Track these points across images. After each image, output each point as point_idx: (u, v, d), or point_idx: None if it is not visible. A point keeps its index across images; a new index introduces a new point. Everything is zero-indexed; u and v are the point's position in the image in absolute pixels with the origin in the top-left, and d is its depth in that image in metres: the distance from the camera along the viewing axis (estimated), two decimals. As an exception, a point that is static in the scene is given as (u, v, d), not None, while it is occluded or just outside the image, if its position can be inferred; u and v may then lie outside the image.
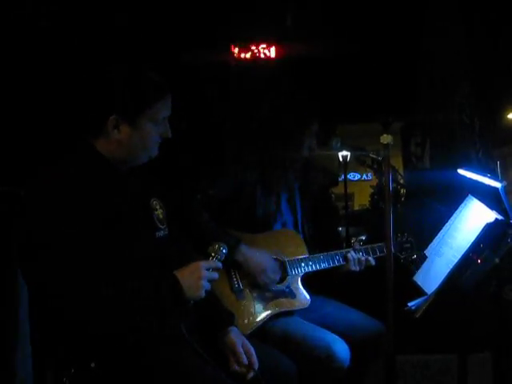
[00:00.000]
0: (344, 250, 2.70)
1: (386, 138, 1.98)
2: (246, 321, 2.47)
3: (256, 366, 1.97)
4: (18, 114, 4.54)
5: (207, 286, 1.84)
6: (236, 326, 2.08)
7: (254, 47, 7.58)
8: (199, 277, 1.83)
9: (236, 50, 7.53)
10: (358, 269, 2.68)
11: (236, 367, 1.97)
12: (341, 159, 11.34)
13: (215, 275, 1.89)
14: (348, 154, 7.13)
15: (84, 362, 1.77)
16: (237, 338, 2.02)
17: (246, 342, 2.02)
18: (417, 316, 1.95)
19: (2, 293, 1.80)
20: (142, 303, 1.75)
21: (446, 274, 2.02)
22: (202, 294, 1.84)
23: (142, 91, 1.90)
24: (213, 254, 1.91)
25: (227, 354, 1.99)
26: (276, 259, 2.60)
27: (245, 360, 1.96)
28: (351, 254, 2.67)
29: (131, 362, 1.78)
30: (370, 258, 2.70)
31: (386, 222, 1.89)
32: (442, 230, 2.29)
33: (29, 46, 4.79)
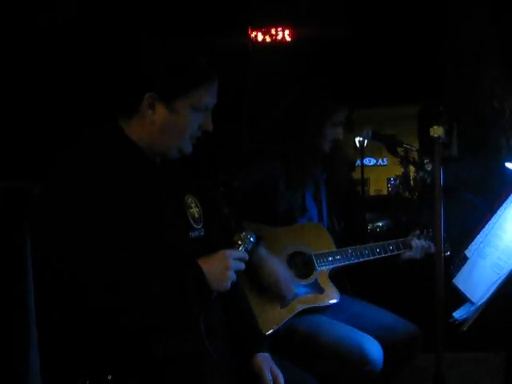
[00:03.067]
0: (373, 244, 2.56)
1: (437, 130, 1.75)
2: (269, 319, 2.33)
3: None
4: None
5: (233, 277, 1.72)
6: (267, 352, 1.91)
7: (272, 30, 7.45)
8: (226, 267, 1.71)
9: (254, 34, 7.40)
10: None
11: None
12: (357, 144, 11.23)
13: (241, 265, 1.77)
14: (365, 139, 6.98)
15: (101, 374, 1.65)
16: (265, 364, 1.85)
17: (275, 367, 1.86)
18: (464, 329, 1.79)
19: (11, 300, 1.68)
20: (166, 297, 1.63)
21: (494, 282, 1.85)
22: (228, 285, 1.71)
23: (187, 71, 1.75)
24: (239, 243, 1.79)
25: (255, 380, 1.85)
26: (301, 253, 2.48)
27: None
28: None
29: (149, 377, 1.65)
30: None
31: (436, 221, 1.72)
32: (484, 228, 2.11)
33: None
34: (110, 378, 1.64)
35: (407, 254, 2.60)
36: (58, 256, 1.59)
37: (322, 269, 2.48)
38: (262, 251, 2.34)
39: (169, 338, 1.67)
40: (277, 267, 2.37)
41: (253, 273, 2.36)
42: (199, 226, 1.86)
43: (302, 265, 2.50)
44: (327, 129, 2.56)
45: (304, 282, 2.45)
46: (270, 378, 1.82)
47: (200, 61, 1.78)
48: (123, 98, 1.78)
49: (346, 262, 2.52)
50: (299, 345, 2.28)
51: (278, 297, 2.37)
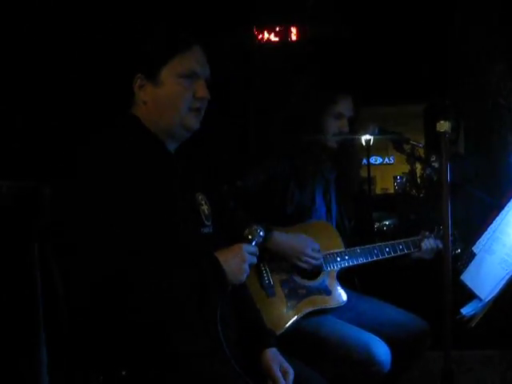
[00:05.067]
0: (382, 244, 2.54)
1: (443, 126, 1.74)
2: (276, 320, 2.31)
3: None
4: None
5: (248, 270, 1.74)
6: (275, 347, 1.91)
7: (276, 30, 7.44)
8: (242, 260, 1.73)
9: (258, 32, 7.39)
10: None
11: None
12: (363, 143, 11.21)
13: (255, 259, 1.79)
14: (371, 137, 6.98)
15: (115, 370, 1.66)
16: (274, 361, 1.85)
17: (285, 364, 1.85)
18: (472, 325, 1.78)
19: (19, 300, 1.68)
20: (184, 288, 1.63)
21: (502, 278, 1.84)
22: (244, 278, 1.74)
23: (162, 44, 1.81)
24: (250, 237, 1.79)
25: (266, 376, 1.84)
26: None
27: None
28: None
29: (163, 372, 1.65)
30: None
31: (443, 216, 1.70)
32: (492, 225, 2.10)
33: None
34: (124, 373, 1.64)
35: (416, 255, 2.58)
36: (76, 246, 1.60)
37: (330, 269, 2.47)
38: (276, 235, 2.34)
39: (186, 332, 1.67)
40: (296, 240, 2.38)
41: (267, 269, 2.37)
42: (209, 223, 1.88)
43: (310, 265, 2.48)
44: (329, 121, 2.53)
45: (312, 283, 2.43)
46: (280, 374, 1.82)
47: (175, 31, 1.84)
48: (120, 89, 1.84)
49: (355, 262, 2.50)
50: (306, 346, 2.27)
51: (292, 290, 2.37)
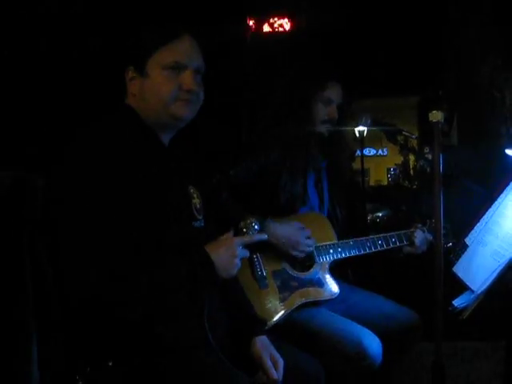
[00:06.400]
0: (375, 236, 2.53)
1: (435, 116, 1.72)
2: (268, 312, 2.30)
3: (281, 378, 1.81)
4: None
5: (239, 264, 1.74)
6: (265, 335, 1.91)
7: (270, 19, 7.41)
8: (233, 254, 1.73)
9: (252, 23, 7.36)
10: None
11: (265, 379, 1.82)
12: (357, 134, 11.18)
13: (247, 253, 1.79)
14: (365, 129, 6.96)
15: (101, 361, 1.65)
16: (264, 350, 1.85)
17: (275, 352, 1.86)
18: (464, 317, 1.77)
19: (11, 290, 1.67)
20: (174, 282, 1.63)
21: (494, 270, 1.83)
22: (235, 272, 1.74)
23: (148, 35, 1.82)
24: (244, 230, 1.82)
25: (256, 364, 1.84)
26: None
27: (274, 375, 1.80)
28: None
29: (150, 363, 1.65)
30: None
31: (435, 207, 1.68)
32: (484, 216, 2.10)
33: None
34: (110, 364, 1.64)
35: (409, 248, 2.57)
36: (67, 234, 1.59)
37: (323, 261, 2.46)
38: (270, 224, 2.33)
39: (174, 324, 1.66)
40: (290, 230, 2.38)
41: (260, 260, 2.36)
42: (200, 217, 1.87)
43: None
44: (317, 106, 2.51)
45: (304, 275, 2.43)
46: (270, 363, 1.82)
47: (161, 23, 1.85)
48: (114, 82, 1.85)
49: (348, 255, 2.49)
50: (297, 338, 2.24)
51: (284, 282, 2.37)
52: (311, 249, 2.43)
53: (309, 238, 2.42)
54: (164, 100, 1.78)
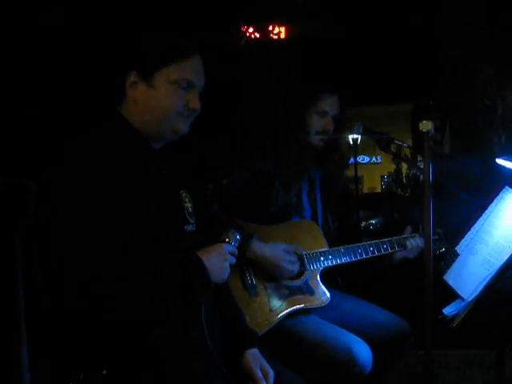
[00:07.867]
0: (366, 243, 2.52)
1: (425, 125, 1.74)
2: (259, 320, 2.29)
3: None
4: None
5: (229, 269, 1.77)
6: (256, 347, 1.91)
7: (265, 28, 7.44)
8: (224, 259, 1.76)
9: (248, 30, 7.39)
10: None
11: None
12: (351, 142, 11.17)
13: (234, 259, 1.81)
14: (358, 136, 6.98)
15: (96, 368, 1.64)
16: (254, 362, 1.85)
17: (265, 364, 1.86)
18: (454, 325, 1.78)
19: (2, 295, 1.67)
20: (167, 288, 1.63)
21: (484, 278, 1.84)
22: (226, 277, 1.77)
23: (161, 48, 1.81)
24: (227, 240, 1.82)
25: (247, 376, 1.84)
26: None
27: None
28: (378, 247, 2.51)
29: (145, 372, 1.64)
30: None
31: (425, 217, 1.70)
32: (475, 225, 2.10)
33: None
34: (105, 372, 1.63)
35: (400, 254, 2.56)
36: (60, 243, 1.58)
37: (313, 269, 2.45)
38: (255, 245, 2.33)
39: (168, 331, 1.66)
40: (275, 252, 2.36)
41: (249, 269, 2.36)
42: (192, 221, 1.87)
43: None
44: (312, 118, 2.51)
45: (294, 283, 2.41)
46: (261, 375, 1.82)
47: (175, 39, 1.84)
48: (110, 84, 1.84)
49: (339, 262, 2.47)
50: (288, 346, 2.25)
51: (275, 290, 2.36)
52: (293, 274, 2.40)
53: (293, 262, 2.40)
54: (169, 114, 1.80)
